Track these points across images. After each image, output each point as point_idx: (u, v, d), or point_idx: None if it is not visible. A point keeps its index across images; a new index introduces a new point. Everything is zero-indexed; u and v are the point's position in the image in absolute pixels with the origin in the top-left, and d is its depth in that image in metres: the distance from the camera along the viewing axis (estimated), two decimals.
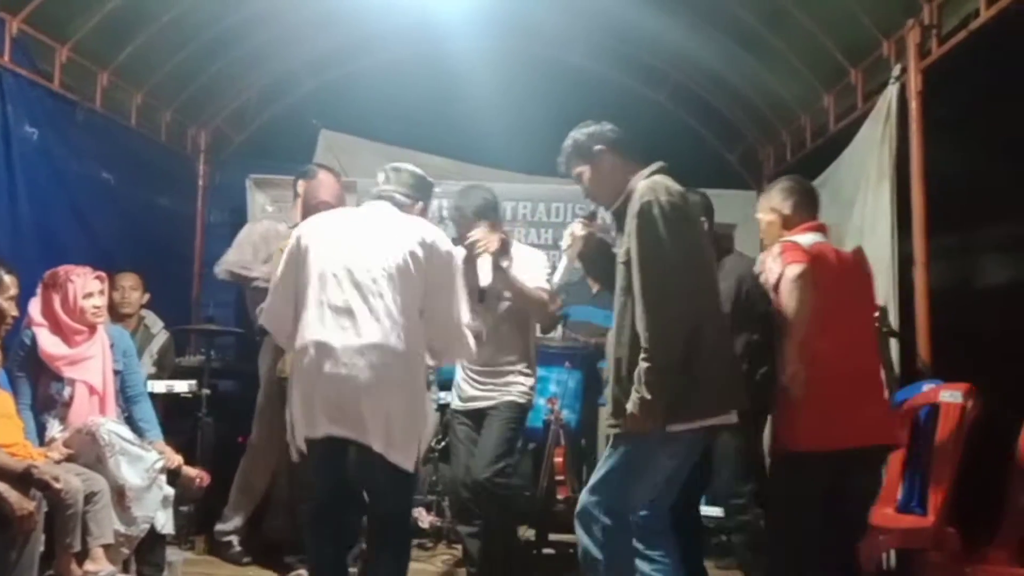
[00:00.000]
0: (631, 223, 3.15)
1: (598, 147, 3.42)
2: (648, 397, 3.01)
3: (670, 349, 3.03)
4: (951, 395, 4.08)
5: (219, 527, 5.04)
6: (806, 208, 3.70)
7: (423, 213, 3.70)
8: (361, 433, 3.30)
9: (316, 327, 3.35)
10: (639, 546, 3.26)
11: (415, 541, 5.66)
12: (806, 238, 3.53)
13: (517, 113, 6.54)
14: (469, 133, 6.85)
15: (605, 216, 3.64)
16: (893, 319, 4.73)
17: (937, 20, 4.67)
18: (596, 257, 3.59)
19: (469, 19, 6.30)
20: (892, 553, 4.31)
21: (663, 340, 3.02)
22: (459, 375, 4.48)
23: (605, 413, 5.50)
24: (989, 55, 4.44)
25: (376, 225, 3.50)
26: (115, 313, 5.36)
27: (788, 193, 3.73)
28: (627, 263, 3.17)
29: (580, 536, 3.28)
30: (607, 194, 3.43)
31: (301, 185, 5.00)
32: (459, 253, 3.72)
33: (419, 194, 3.69)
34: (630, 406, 3.07)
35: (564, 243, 3.61)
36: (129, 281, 5.53)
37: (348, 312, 3.34)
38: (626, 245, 3.19)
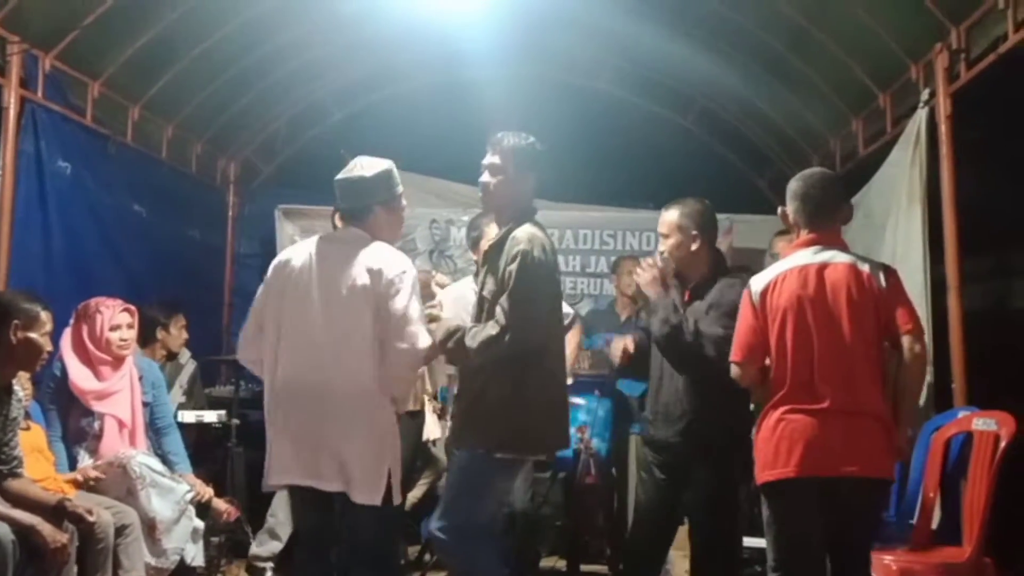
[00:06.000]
0: (509, 264, 3.36)
1: (533, 172, 3.55)
2: (470, 346, 3.33)
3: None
4: (985, 423, 4.01)
5: (254, 550, 5.01)
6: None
7: (388, 212, 3.54)
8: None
9: None
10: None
11: (443, 572, 5.64)
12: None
13: (543, 140, 6.52)
14: None
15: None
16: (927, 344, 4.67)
17: (965, 44, 4.63)
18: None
19: (494, 48, 6.34)
20: None
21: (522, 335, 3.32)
22: None
23: (636, 441, 5.58)
24: (1019, 78, 4.39)
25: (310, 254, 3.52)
26: (167, 352, 5.45)
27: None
28: (488, 300, 3.42)
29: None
30: (504, 210, 3.57)
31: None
32: (413, 271, 3.48)
33: (370, 197, 3.51)
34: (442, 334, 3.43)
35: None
36: (183, 321, 5.57)
37: None
38: (493, 284, 3.42)
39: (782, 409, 3.20)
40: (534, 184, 3.57)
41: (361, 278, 3.35)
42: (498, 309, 3.35)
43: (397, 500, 3.38)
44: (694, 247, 3.78)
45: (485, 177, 3.56)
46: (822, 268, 3.26)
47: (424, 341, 3.37)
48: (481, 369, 3.44)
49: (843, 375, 3.17)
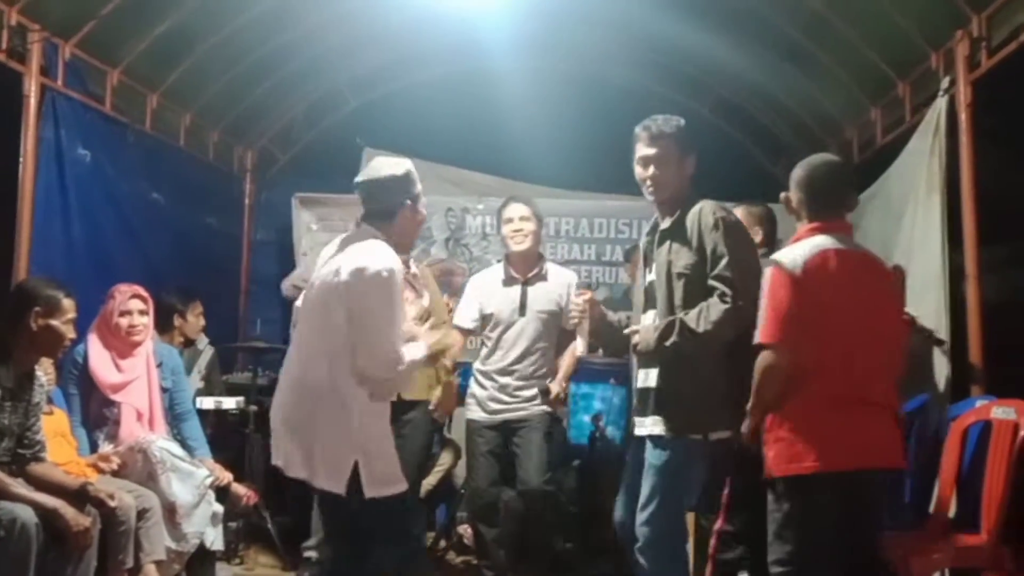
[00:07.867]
0: (709, 234, 3.24)
1: (693, 153, 3.43)
2: (705, 329, 3.14)
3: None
4: (1004, 411, 4.00)
5: (305, 543, 4.97)
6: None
7: (414, 211, 3.36)
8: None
9: None
10: None
11: (460, 559, 5.67)
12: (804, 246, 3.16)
13: (560, 130, 6.56)
14: (512, 150, 6.86)
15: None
16: (944, 333, 4.66)
17: (986, 32, 4.60)
18: (602, 326, 3.57)
19: (511, 38, 6.33)
20: (946, 572, 4.23)
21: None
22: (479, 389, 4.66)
23: None
24: None
25: (330, 256, 3.38)
26: (184, 338, 5.47)
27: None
28: (686, 275, 3.26)
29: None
30: (672, 199, 3.43)
31: None
32: (393, 274, 3.15)
33: (400, 196, 3.32)
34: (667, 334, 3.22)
35: (572, 321, 3.66)
36: (199, 308, 5.56)
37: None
38: (690, 258, 3.27)
39: (822, 399, 3.05)
40: (695, 164, 3.43)
41: (343, 274, 3.18)
42: (717, 282, 3.19)
43: (371, 493, 3.14)
44: None
45: (649, 171, 3.39)
46: (854, 254, 3.18)
47: (390, 357, 3.14)
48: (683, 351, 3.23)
49: (881, 367, 3.13)
